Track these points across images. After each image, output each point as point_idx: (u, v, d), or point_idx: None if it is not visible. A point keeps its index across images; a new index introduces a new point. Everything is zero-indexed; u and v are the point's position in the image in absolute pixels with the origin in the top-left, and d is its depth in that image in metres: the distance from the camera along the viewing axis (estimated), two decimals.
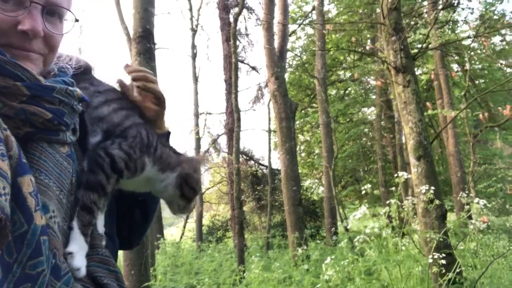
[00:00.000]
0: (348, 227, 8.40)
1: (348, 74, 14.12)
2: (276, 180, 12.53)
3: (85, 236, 0.72)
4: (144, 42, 4.05)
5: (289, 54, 12.53)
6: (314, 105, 13.62)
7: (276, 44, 8.95)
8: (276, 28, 9.27)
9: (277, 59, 8.73)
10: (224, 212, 15.66)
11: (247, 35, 14.43)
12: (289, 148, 8.22)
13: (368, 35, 12.22)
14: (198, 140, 13.68)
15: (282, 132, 8.32)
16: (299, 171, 9.49)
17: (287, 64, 11.45)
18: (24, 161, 0.62)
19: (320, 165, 12.24)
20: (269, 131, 12.71)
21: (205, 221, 14.85)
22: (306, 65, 12.62)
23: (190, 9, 14.30)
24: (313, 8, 11.61)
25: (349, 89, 14.51)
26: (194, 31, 14.30)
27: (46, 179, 0.66)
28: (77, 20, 0.78)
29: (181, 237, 14.06)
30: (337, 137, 10.48)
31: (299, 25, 11.75)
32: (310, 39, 13.91)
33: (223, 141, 14.29)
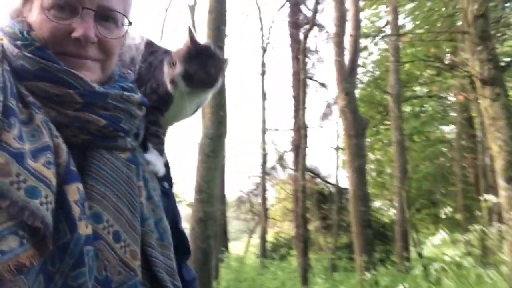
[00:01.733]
0: (422, 253, 7.79)
1: (424, 90, 13.34)
2: (343, 199, 12.11)
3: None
4: None
5: (360, 70, 12.20)
6: (386, 122, 13.03)
7: (346, 59, 8.76)
8: (347, 43, 9.08)
9: (347, 74, 8.54)
10: (288, 229, 15.46)
11: (316, 52, 14.36)
12: (358, 167, 7.89)
13: (447, 49, 11.49)
14: (264, 156, 13.76)
15: (351, 149, 8.04)
16: (369, 191, 9.06)
17: (358, 80, 11.14)
18: (72, 169, 0.61)
19: (392, 186, 11.59)
20: (337, 148, 12.39)
21: (269, 237, 14.75)
22: (379, 81, 12.18)
23: (261, 28, 14.65)
24: (387, 23, 11.23)
25: (426, 105, 13.66)
26: (264, 50, 14.58)
27: (102, 187, 0.65)
28: (130, 23, 0.77)
29: (245, 252, 14.10)
30: (412, 157, 9.87)
31: (374, 37, 11.40)
32: (383, 54, 13.44)
33: (289, 158, 14.23)
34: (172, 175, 0.91)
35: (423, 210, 12.71)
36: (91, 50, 0.70)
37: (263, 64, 14.61)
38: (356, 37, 9.12)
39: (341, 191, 11.97)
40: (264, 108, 14.20)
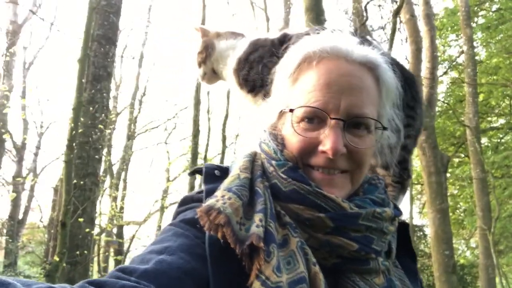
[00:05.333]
0: None
1: (501, 120, 12.46)
2: (415, 237, 11.41)
3: None
4: None
5: None
6: (461, 155, 12.25)
7: (423, 92, 8.42)
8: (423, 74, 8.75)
9: (425, 108, 8.18)
10: None
11: None
12: (441, 207, 7.41)
13: None
14: None
15: (431, 188, 7.61)
16: None
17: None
18: None
19: (470, 224, 10.74)
20: (411, 183, 11.79)
21: None
22: (451, 111, 11.58)
23: None
24: (462, 52, 10.74)
25: (506, 137, 12.66)
26: None
27: None
28: (385, 128, 0.71)
29: None
30: (496, 195, 9.15)
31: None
32: (454, 83, 12.84)
33: None
34: None
35: (509, 253, 11.59)
36: (339, 161, 0.66)
37: None
38: (433, 69, 8.77)
39: (414, 229, 11.31)
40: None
